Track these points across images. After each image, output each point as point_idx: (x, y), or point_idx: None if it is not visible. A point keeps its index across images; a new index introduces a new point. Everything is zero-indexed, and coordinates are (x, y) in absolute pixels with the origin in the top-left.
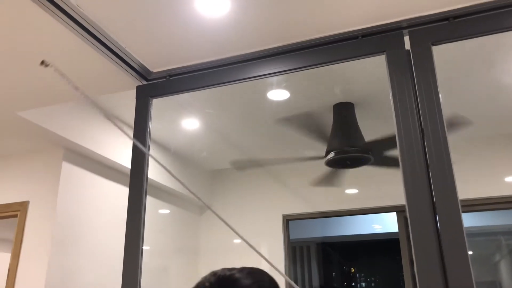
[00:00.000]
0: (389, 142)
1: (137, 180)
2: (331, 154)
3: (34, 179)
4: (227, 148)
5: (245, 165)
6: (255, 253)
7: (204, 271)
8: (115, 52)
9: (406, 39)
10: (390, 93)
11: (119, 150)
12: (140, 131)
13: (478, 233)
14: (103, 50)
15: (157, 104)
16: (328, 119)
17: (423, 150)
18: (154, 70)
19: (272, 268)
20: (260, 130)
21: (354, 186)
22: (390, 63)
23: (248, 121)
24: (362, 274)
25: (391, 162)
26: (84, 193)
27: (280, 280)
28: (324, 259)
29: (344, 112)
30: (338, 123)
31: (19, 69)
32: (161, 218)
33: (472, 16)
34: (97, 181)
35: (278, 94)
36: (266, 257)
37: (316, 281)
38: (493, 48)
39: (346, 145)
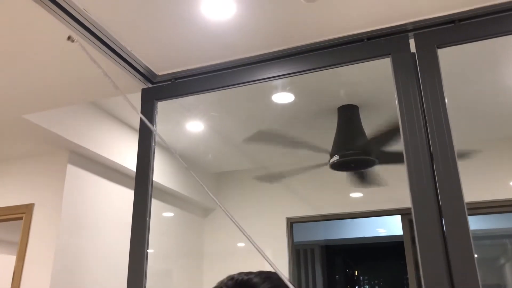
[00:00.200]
0: (391, 135)
1: (142, 184)
2: (335, 157)
3: (39, 181)
4: (232, 151)
5: (269, 178)
6: (260, 256)
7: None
8: (120, 55)
9: (412, 42)
10: (396, 96)
11: (124, 152)
12: (146, 134)
13: (484, 236)
14: (109, 53)
15: (162, 107)
16: (333, 122)
17: (428, 153)
18: (160, 73)
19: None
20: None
21: (359, 190)
22: (395, 66)
23: (253, 124)
24: (366, 277)
25: (396, 158)
26: (89, 196)
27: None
28: (328, 262)
29: (349, 115)
30: (343, 125)
31: (25, 72)
32: (165, 221)
33: (478, 19)
34: (102, 184)
35: (283, 97)
36: (270, 259)
37: (320, 284)
38: (499, 50)
39: (351, 147)
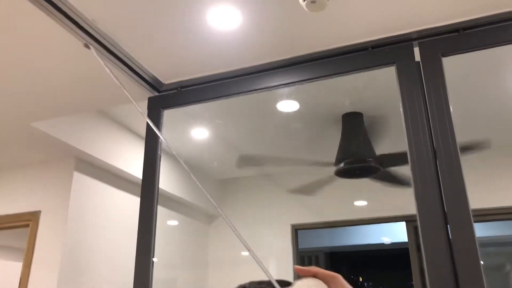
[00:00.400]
0: (400, 157)
1: (148, 191)
2: (340, 164)
3: (46, 189)
4: (236, 158)
5: (247, 164)
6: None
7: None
8: (127, 64)
9: (416, 50)
10: (401, 104)
11: (130, 160)
12: (152, 142)
13: (489, 243)
14: (116, 62)
15: (169, 115)
16: (337, 129)
17: (433, 160)
18: (166, 82)
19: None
20: (270, 141)
21: (363, 198)
22: (400, 74)
23: (258, 132)
24: (370, 283)
25: (399, 180)
26: (95, 203)
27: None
28: (333, 268)
29: (353, 122)
30: (347, 133)
31: (33, 80)
32: (170, 229)
33: (482, 28)
34: (108, 191)
35: (288, 105)
36: (275, 266)
37: None
38: (504, 59)
39: (355, 155)
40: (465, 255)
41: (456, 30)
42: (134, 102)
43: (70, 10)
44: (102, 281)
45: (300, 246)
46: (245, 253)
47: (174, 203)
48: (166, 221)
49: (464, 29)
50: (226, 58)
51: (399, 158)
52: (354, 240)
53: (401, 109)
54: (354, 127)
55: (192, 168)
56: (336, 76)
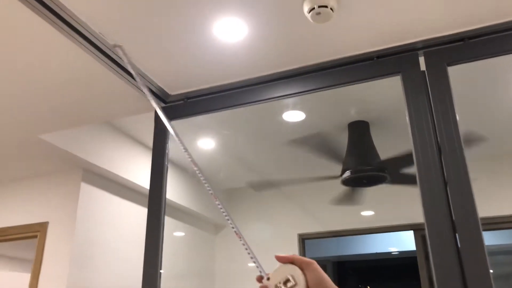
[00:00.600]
0: (405, 159)
1: (155, 201)
2: (347, 173)
3: (54, 200)
4: (243, 168)
5: (262, 186)
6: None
7: None
8: (134, 76)
9: (421, 60)
10: (407, 114)
11: (137, 170)
12: (159, 152)
13: (499, 252)
14: (123, 74)
15: (175, 126)
16: (343, 138)
17: (440, 169)
18: (172, 93)
19: None
20: (276, 151)
21: (370, 208)
22: (405, 84)
23: (264, 142)
24: None
25: (408, 180)
26: (102, 214)
27: None
28: (340, 278)
29: (359, 131)
30: (353, 142)
31: (41, 93)
32: (177, 240)
33: (488, 37)
34: (115, 202)
35: (294, 115)
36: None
37: None
38: (510, 67)
39: (362, 163)
40: (474, 264)
41: (462, 39)
42: (157, 107)
43: (78, 24)
44: None
45: (307, 256)
46: (252, 264)
47: (181, 213)
48: (173, 232)
49: (470, 38)
50: (232, 69)
51: (405, 160)
52: (362, 249)
53: (407, 118)
54: (360, 136)
55: (199, 178)
56: (341, 86)
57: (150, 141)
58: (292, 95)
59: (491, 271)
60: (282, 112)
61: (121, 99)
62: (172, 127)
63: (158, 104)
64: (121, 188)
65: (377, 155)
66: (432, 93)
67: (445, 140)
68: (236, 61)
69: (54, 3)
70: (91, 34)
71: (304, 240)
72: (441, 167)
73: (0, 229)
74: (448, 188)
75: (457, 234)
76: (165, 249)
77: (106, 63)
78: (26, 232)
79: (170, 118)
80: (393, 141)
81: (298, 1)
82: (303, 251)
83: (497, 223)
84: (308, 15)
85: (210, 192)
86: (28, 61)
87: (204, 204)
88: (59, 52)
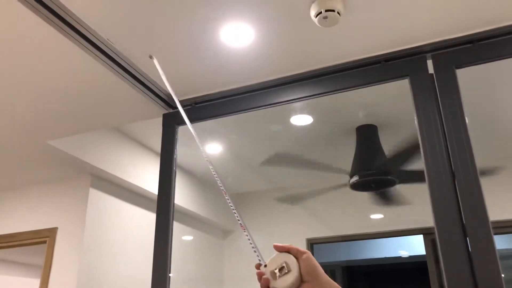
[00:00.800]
0: (411, 152)
1: (164, 207)
2: (355, 178)
3: (63, 206)
4: (251, 172)
5: (288, 199)
6: None
7: None
8: (142, 81)
9: (430, 63)
10: (415, 117)
11: (145, 176)
12: (167, 158)
13: (510, 256)
14: (131, 80)
15: (183, 131)
16: (351, 142)
17: (450, 172)
18: (180, 98)
19: None
20: (284, 155)
21: (379, 211)
22: (414, 87)
23: (272, 146)
24: None
25: (416, 177)
26: (110, 219)
27: None
28: (350, 282)
29: (367, 135)
30: (361, 145)
31: (50, 99)
32: (185, 244)
33: (496, 39)
34: (124, 207)
35: (301, 119)
36: None
37: None
38: None
39: (370, 168)
40: (485, 268)
41: (470, 42)
42: (182, 110)
43: (86, 30)
44: None
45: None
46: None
47: (189, 219)
48: (181, 236)
49: (479, 40)
50: (239, 74)
51: (416, 175)
52: (371, 253)
53: (416, 121)
54: (369, 140)
55: (207, 183)
56: (349, 90)
57: (158, 147)
58: (299, 99)
59: (503, 275)
60: (289, 116)
61: (129, 105)
62: (193, 129)
63: (186, 116)
64: (130, 193)
65: (385, 159)
66: (440, 96)
67: (454, 143)
68: (244, 66)
69: (62, 9)
70: (99, 40)
71: (312, 245)
72: (451, 170)
73: (9, 234)
74: (458, 192)
75: (468, 238)
76: (174, 253)
77: (114, 68)
78: (36, 237)
79: (178, 123)
80: (402, 142)
81: (305, 6)
82: None
83: (508, 227)
84: (315, 19)
85: (221, 188)
86: (36, 67)
87: (212, 210)
88: (67, 58)
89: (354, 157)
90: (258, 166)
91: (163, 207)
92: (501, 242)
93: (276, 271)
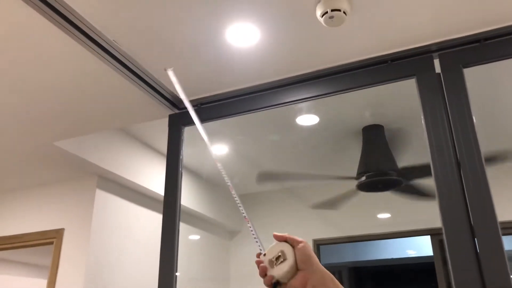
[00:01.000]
0: (423, 170)
1: (170, 207)
2: (362, 178)
3: (69, 206)
4: (256, 175)
5: (268, 178)
6: None
7: None
8: (148, 82)
9: (436, 62)
10: (422, 117)
11: (151, 177)
12: (173, 158)
13: None
14: (137, 81)
15: (189, 132)
16: (358, 142)
17: (458, 172)
18: None
19: None
20: (290, 155)
21: (386, 210)
22: (420, 87)
23: (278, 147)
24: None
25: (422, 193)
26: (117, 220)
27: None
28: (357, 283)
29: (374, 135)
30: (368, 146)
31: (56, 100)
32: (191, 245)
33: (504, 38)
34: (130, 208)
35: (307, 119)
36: None
37: None
38: None
39: (377, 168)
40: (493, 269)
41: (478, 41)
42: (193, 112)
43: (92, 32)
44: None
45: (322, 262)
46: None
47: (195, 219)
48: (188, 236)
49: (486, 39)
50: (245, 74)
51: (422, 171)
52: (378, 254)
53: (422, 121)
54: (375, 140)
55: (213, 184)
56: (355, 90)
57: (164, 147)
58: (305, 100)
59: (511, 276)
60: (295, 116)
61: (135, 106)
62: (203, 129)
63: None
64: (136, 194)
65: (392, 160)
66: (447, 95)
67: (462, 143)
68: (249, 66)
69: (69, 12)
70: (105, 41)
71: (319, 246)
72: (458, 170)
73: (16, 235)
74: (466, 192)
75: (476, 239)
76: (180, 254)
77: (120, 70)
78: (42, 238)
79: (184, 124)
80: (408, 144)
81: (310, 5)
82: (318, 258)
83: None
84: (321, 19)
85: (228, 183)
86: (43, 69)
87: (219, 211)
88: (73, 59)
89: (361, 157)
90: (264, 166)
91: (170, 207)
92: (509, 243)
93: (274, 259)
